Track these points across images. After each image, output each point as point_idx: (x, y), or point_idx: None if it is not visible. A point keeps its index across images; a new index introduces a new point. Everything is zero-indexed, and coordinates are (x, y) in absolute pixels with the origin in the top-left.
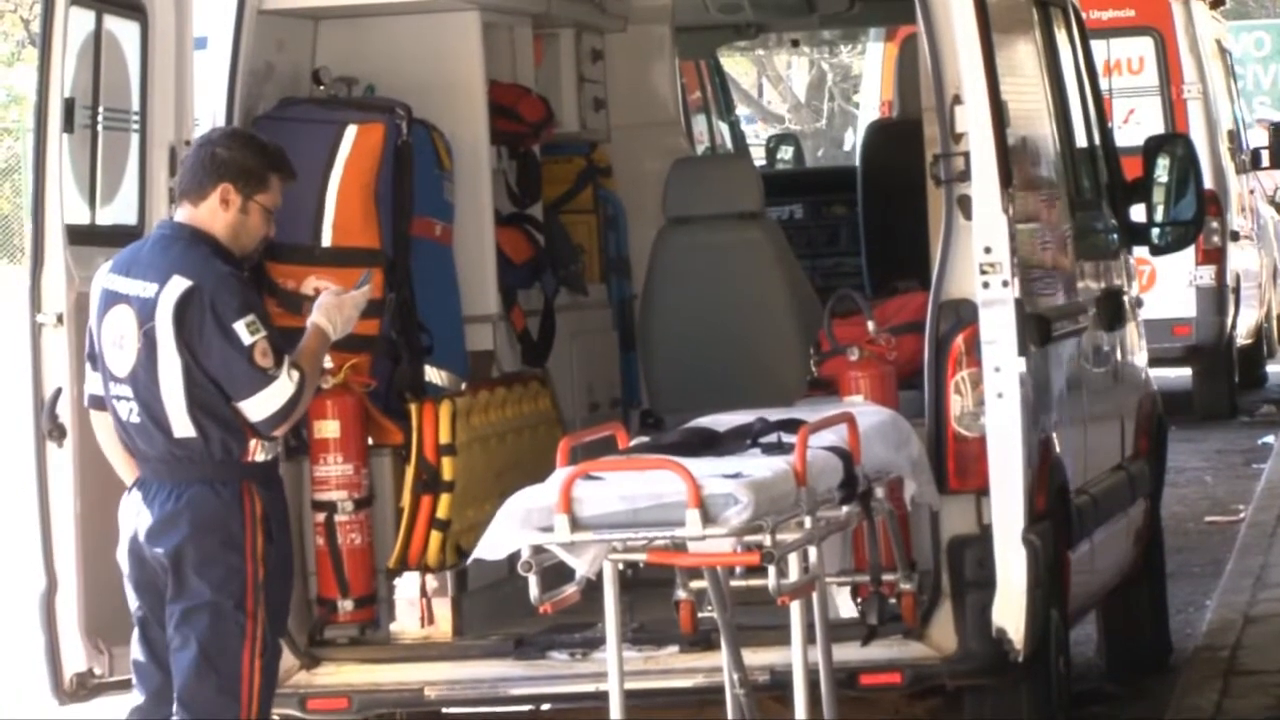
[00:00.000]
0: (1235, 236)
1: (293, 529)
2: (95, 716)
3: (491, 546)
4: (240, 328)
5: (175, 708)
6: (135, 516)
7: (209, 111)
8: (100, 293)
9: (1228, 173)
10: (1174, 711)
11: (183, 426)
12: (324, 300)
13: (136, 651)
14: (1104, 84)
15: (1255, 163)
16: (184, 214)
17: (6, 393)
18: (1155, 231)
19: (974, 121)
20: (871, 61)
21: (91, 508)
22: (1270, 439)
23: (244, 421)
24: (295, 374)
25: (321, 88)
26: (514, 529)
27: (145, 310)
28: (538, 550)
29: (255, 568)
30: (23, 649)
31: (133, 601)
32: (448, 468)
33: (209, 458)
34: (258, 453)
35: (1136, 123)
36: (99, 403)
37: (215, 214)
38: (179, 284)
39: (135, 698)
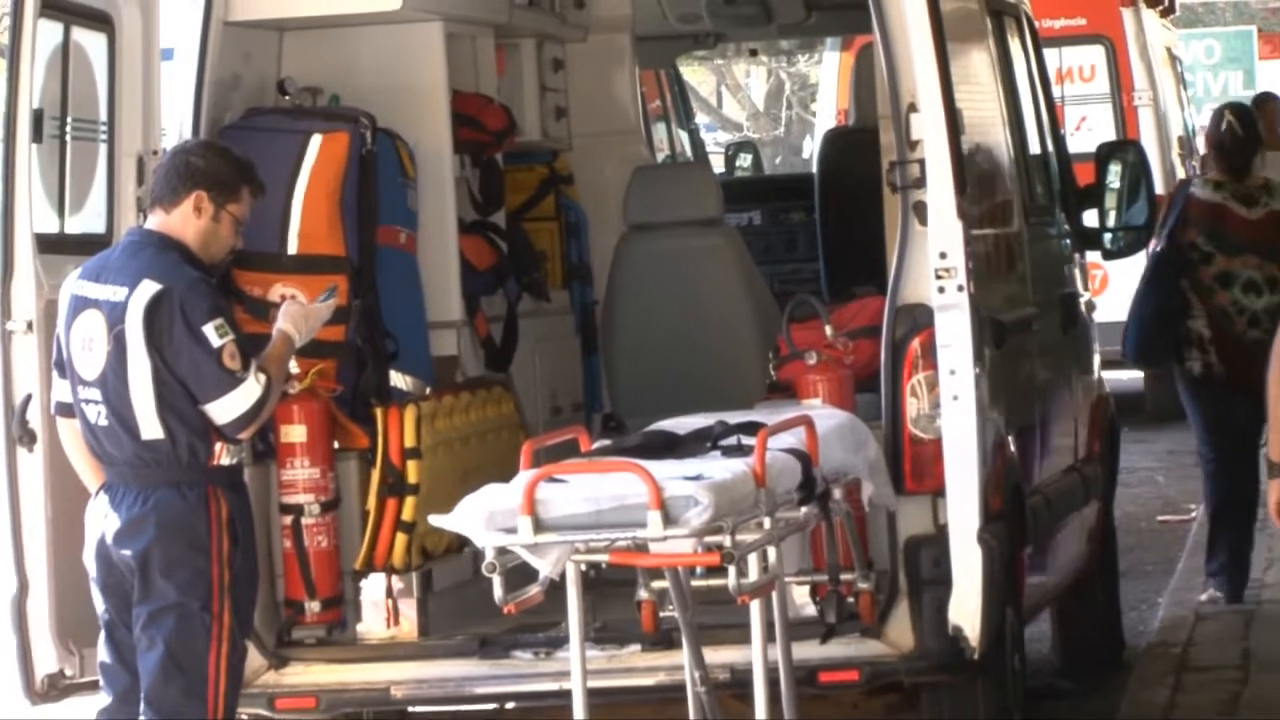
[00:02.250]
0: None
1: (260, 532)
2: (66, 717)
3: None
4: (209, 330)
5: (143, 708)
6: (103, 520)
7: (176, 122)
8: (69, 298)
9: (1179, 178)
10: (1127, 707)
11: (151, 429)
12: (290, 308)
13: (103, 653)
14: (1056, 91)
15: (1186, 182)
16: (155, 221)
17: None
18: (1108, 236)
19: (929, 129)
20: (828, 70)
21: (62, 512)
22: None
23: (210, 425)
24: (262, 377)
25: (287, 98)
26: (479, 530)
27: (115, 313)
28: (502, 551)
29: (221, 570)
30: None
31: (99, 604)
32: (413, 471)
33: (176, 461)
34: (223, 456)
35: (1089, 129)
36: (66, 410)
37: (187, 221)
38: (149, 287)
39: (103, 699)
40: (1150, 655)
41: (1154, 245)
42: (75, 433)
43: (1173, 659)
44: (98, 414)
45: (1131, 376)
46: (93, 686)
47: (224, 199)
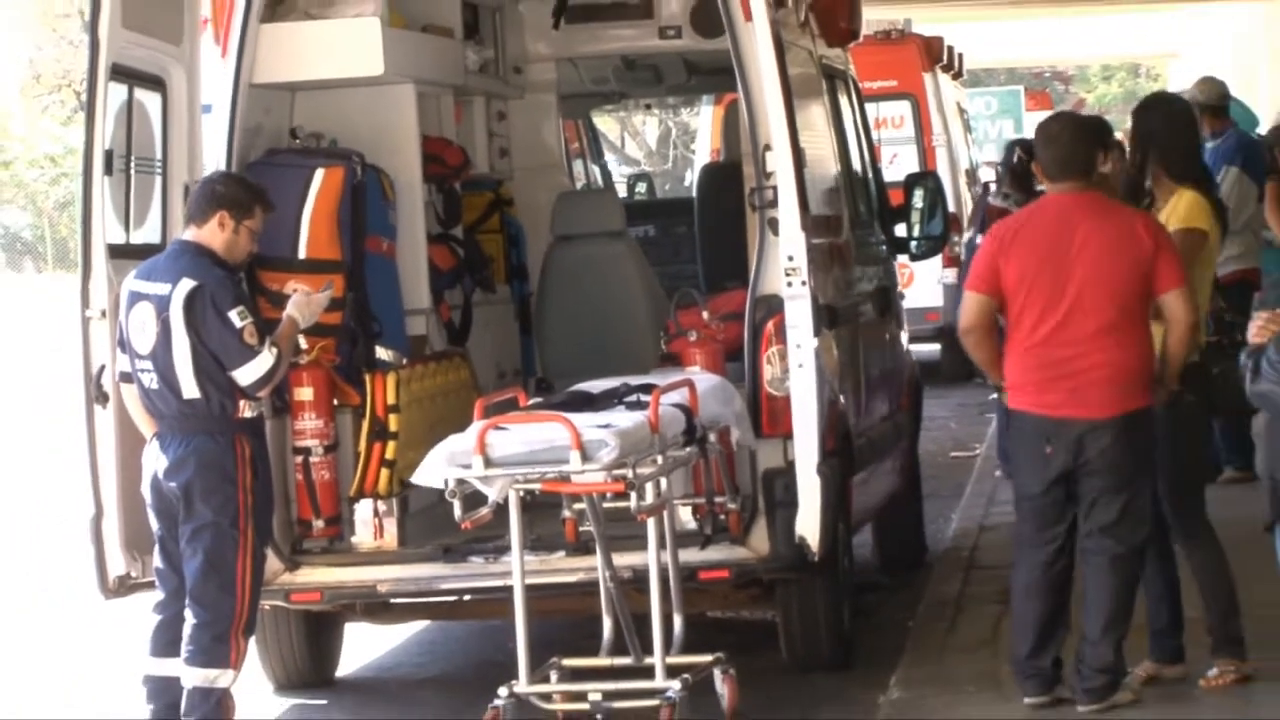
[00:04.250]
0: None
1: (278, 468)
2: (130, 613)
3: (426, 476)
4: (233, 315)
5: (188, 601)
6: (155, 460)
7: (213, 159)
8: (127, 293)
9: (965, 200)
10: (929, 596)
11: (190, 390)
12: (296, 298)
13: (157, 561)
14: (875, 135)
15: (986, 193)
16: (190, 234)
17: (70, 369)
18: (913, 244)
19: (780, 163)
20: (704, 119)
21: (127, 454)
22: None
23: (236, 387)
24: (274, 350)
25: (297, 141)
26: (442, 466)
27: (162, 304)
28: (460, 482)
29: (245, 497)
30: (74, 561)
31: (154, 524)
32: (393, 422)
33: (209, 414)
34: (246, 410)
35: (898, 163)
36: (127, 377)
37: (214, 233)
38: (187, 284)
39: (158, 595)
40: (946, 558)
41: (968, 236)
42: (134, 394)
43: (963, 560)
44: (150, 380)
45: (930, 348)
46: (150, 586)
47: (241, 216)
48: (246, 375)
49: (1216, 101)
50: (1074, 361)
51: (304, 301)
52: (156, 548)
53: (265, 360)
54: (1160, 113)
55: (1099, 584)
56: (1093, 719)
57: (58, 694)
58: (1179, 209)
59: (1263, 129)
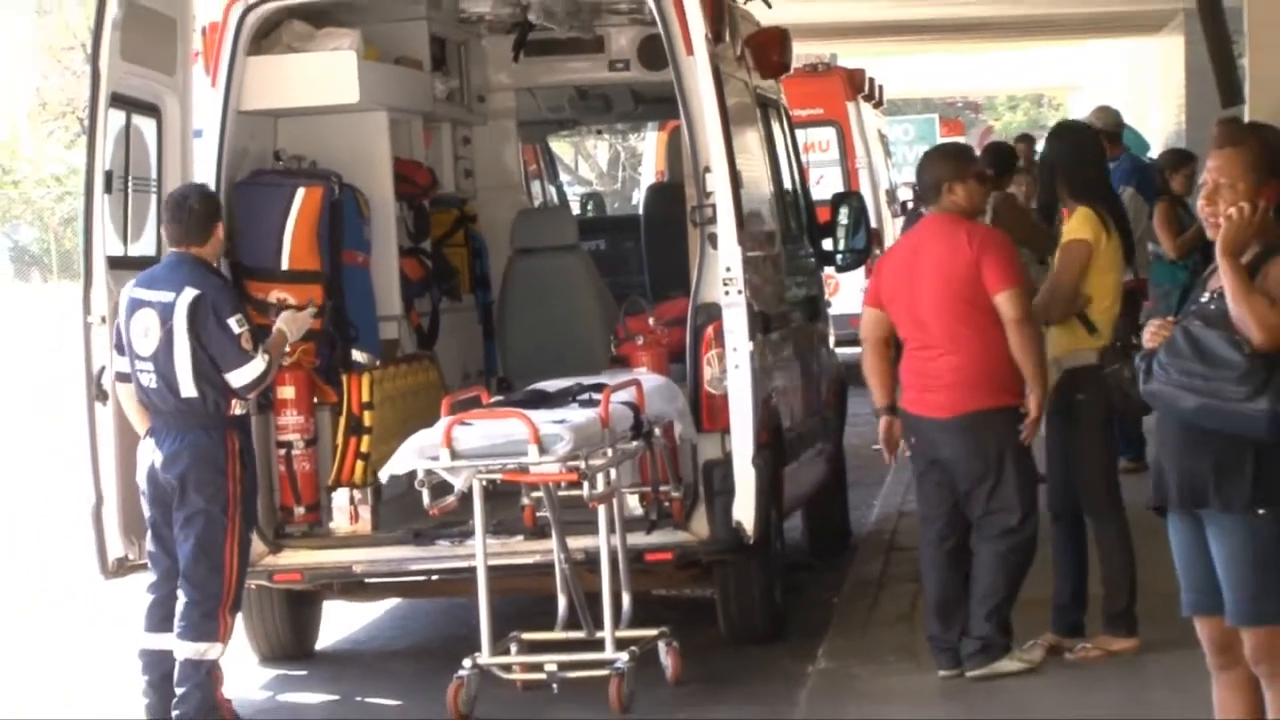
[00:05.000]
0: None
1: (262, 461)
2: (130, 614)
3: (393, 468)
4: (232, 323)
5: (180, 582)
6: (151, 453)
7: (203, 179)
8: (128, 300)
9: (885, 217)
10: (853, 576)
11: (188, 389)
12: (285, 314)
13: (150, 545)
14: (804, 158)
15: (904, 210)
16: (187, 246)
17: (70, 371)
18: (839, 257)
19: (718, 184)
20: (650, 144)
21: (124, 447)
22: None
23: (228, 387)
24: (266, 357)
25: (280, 162)
26: (412, 458)
27: (165, 310)
28: (429, 472)
29: (234, 486)
30: (76, 550)
31: (148, 511)
32: (368, 418)
33: (204, 412)
34: (236, 409)
35: (825, 184)
36: (124, 378)
37: (217, 246)
38: (190, 292)
39: (150, 576)
40: (869, 540)
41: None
42: (129, 394)
43: (884, 542)
44: (150, 379)
45: (854, 351)
46: (145, 567)
47: (221, 221)
48: (240, 378)
49: (1112, 128)
50: (926, 365)
51: (292, 318)
52: (150, 533)
53: (258, 365)
54: (1068, 140)
55: (977, 561)
56: (985, 685)
57: (58, 694)
58: (1069, 225)
59: (1154, 153)
